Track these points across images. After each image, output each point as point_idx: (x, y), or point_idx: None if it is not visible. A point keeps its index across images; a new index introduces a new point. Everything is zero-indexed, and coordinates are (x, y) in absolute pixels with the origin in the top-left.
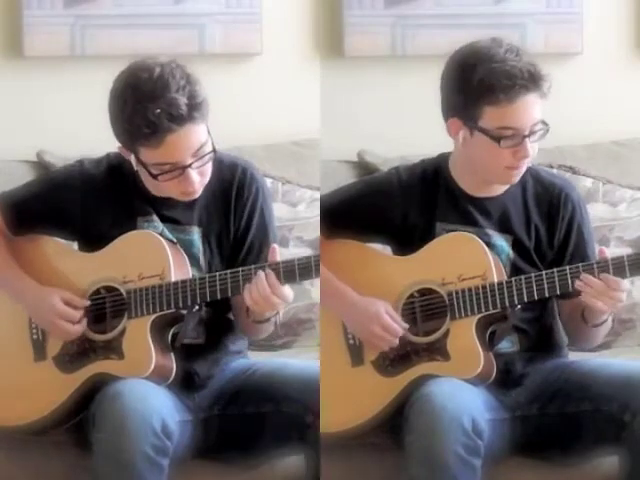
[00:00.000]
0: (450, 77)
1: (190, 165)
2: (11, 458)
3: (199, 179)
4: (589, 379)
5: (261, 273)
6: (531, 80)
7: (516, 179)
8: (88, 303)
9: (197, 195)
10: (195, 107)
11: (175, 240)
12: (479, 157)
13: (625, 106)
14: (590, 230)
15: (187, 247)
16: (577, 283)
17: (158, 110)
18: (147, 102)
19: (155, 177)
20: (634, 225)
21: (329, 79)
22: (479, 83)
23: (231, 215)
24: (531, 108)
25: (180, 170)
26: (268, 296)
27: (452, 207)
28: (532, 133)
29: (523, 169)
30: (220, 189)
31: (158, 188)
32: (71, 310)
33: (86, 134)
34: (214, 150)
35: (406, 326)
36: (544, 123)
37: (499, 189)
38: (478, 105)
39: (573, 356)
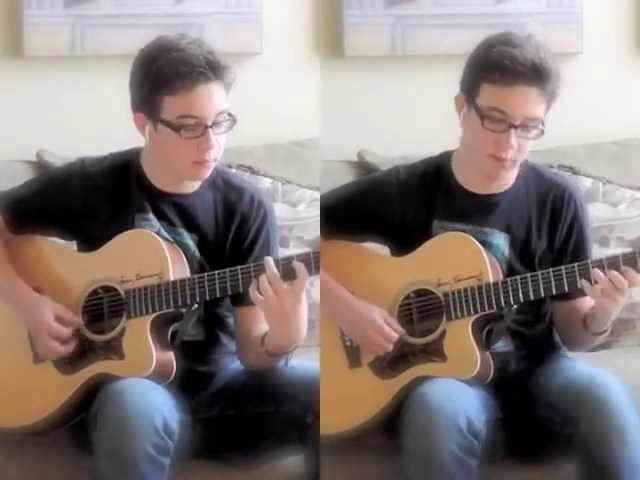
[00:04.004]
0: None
1: (212, 126)
2: (12, 459)
3: (215, 148)
4: (553, 390)
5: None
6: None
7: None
8: (79, 320)
9: (208, 173)
10: (225, 69)
11: (172, 240)
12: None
13: (625, 106)
14: (590, 231)
15: (183, 250)
16: (583, 283)
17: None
18: (181, 53)
19: (177, 130)
20: (634, 225)
21: (329, 79)
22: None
23: (229, 238)
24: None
25: (202, 129)
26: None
27: (451, 205)
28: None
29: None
30: (223, 211)
31: (168, 166)
32: (62, 328)
33: (86, 134)
34: (234, 119)
35: (402, 331)
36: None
37: (500, 186)
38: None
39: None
